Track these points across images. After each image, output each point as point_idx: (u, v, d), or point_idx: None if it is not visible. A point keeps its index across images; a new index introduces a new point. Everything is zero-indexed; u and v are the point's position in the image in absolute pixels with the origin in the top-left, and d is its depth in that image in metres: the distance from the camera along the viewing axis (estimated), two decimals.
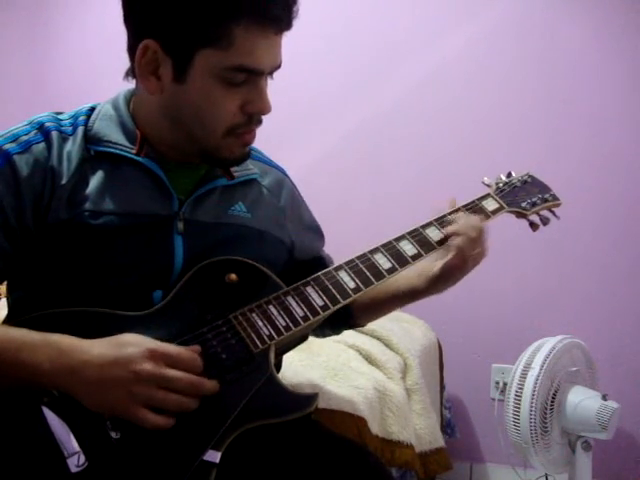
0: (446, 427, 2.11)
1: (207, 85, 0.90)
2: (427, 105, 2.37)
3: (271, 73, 0.95)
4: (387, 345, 1.79)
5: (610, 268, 2.19)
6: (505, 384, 1.95)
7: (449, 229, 1.06)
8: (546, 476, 1.96)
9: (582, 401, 1.71)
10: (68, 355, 0.80)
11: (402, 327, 2.02)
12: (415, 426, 1.62)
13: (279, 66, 0.95)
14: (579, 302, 2.22)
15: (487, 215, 1.13)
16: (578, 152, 2.22)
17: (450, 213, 1.11)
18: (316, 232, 1.22)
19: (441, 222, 1.10)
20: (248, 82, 0.91)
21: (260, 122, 0.97)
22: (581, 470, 1.74)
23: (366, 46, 2.44)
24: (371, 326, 1.84)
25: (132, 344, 0.81)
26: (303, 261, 1.13)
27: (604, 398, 1.70)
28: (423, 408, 1.68)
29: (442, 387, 2.13)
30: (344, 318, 1.15)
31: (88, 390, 0.80)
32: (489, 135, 2.29)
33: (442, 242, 1.07)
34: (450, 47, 2.34)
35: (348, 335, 1.77)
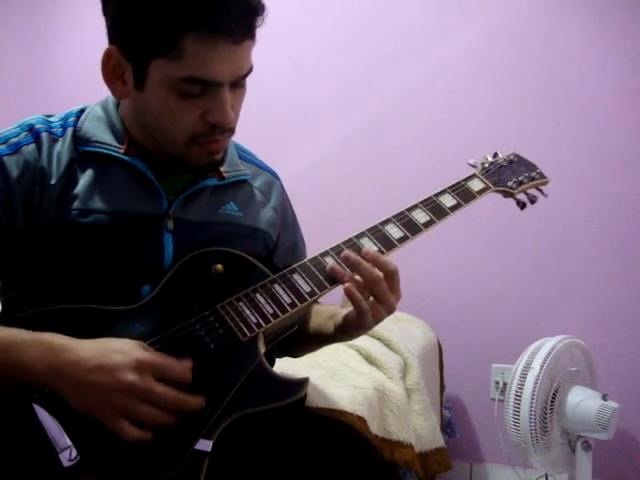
0: (446, 427, 2.11)
1: (163, 94, 0.90)
2: (429, 105, 2.37)
3: (236, 83, 0.92)
4: (387, 345, 1.79)
5: (610, 268, 2.19)
6: (505, 384, 1.95)
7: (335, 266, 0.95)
8: (546, 476, 1.96)
9: (582, 401, 1.71)
10: (58, 354, 0.80)
11: (402, 327, 2.02)
12: (415, 426, 1.62)
13: (245, 75, 0.92)
14: (579, 302, 2.22)
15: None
16: (580, 151, 2.22)
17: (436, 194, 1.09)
18: (297, 248, 1.18)
19: (426, 203, 1.07)
20: (207, 93, 0.89)
21: (226, 132, 0.94)
22: (581, 470, 1.74)
23: (367, 46, 2.44)
24: None
25: (121, 351, 0.81)
26: (275, 267, 1.10)
27: (604, 398, 1.71)
28: (423, 408, 1.68)
29: (442, 387, 2.13)
30: (286, 346, 1.12)
31: (72, 391, 0.80)
32: (491, 136, 2.28)
33: (428, 224, 1.05)
34: (451, 47, 2.34)
35: None
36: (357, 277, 0.95)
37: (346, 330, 1.01)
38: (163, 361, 0.83)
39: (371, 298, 0.95)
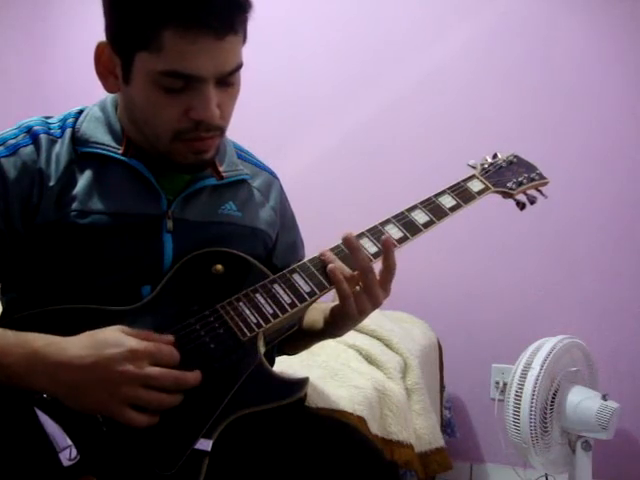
0: (446, 427, 2.11)
1: (147, 88, 0.89)
2: (428, 105, 2.37)
3: (224, 82, 0.91)
4: (387, 345, 1.79)
5: (610, 268, 2.19)
6: (505, 384, 1.95)
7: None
8: (546, 476, 1.96)
9: (582, 401, 1.71)
10: (43, 356, 0.79)
11: (402, 327, 2.02)
12: (415, 426, 1.62)
13: (231, 72, 0.90)
14: (579, 302, 2.22)
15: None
16: (579, 151, 2.22)
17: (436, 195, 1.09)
18: (295, 248, 1.19)
19: (426, 204, 1.08)
20: (190, 88, 0.88)
21: (212, 129, 0.93)
22: (581, 470, 1.74)
23: (366, 46, 2.43)
24: (371, 326, 1.84)
25: (112, 344, 0.80)
26: (275, 267, 1.11)
27: (604, 398, 1.71)
28: (423, 408, 1.68)
29: (442, 387, 2.13)
30: (279, 345, 1.12)
31: (69, 392, 0.79)
32: (490, 136, 2.28)
33: (427, 225, 1.05)
34: (450, 46, 2.34)
35: (348, 335, 1.76)
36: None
37: (333, 322, 1.02)
38: (153, 345, 0.83)
39: (357, 287, 0.96)
